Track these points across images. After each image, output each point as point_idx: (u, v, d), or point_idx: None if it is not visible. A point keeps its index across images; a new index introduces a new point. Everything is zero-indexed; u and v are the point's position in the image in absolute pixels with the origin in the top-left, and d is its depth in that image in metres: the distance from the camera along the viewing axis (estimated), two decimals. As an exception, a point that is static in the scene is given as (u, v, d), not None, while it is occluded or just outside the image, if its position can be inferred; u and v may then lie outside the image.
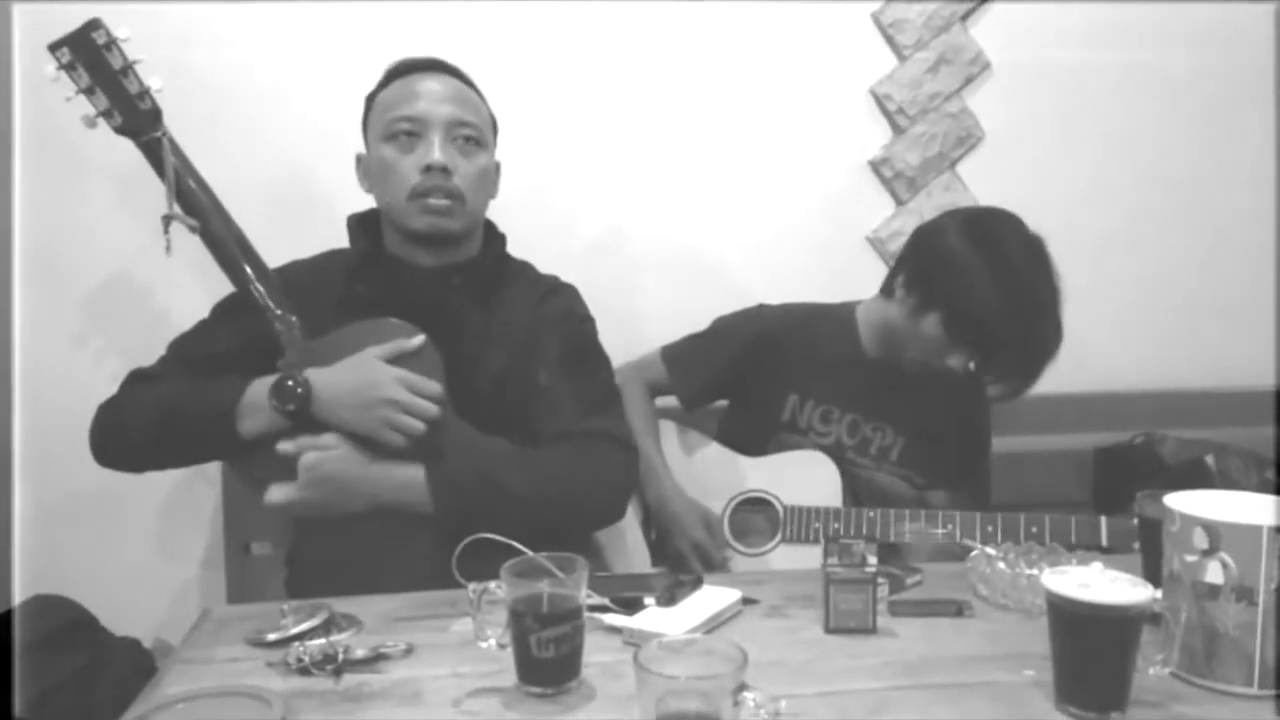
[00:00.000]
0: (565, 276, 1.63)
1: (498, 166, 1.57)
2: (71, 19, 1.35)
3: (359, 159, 1.54)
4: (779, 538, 1.69)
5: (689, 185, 2.09)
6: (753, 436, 1.77)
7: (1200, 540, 0.98)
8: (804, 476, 1.70)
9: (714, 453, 1.79)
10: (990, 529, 1.50)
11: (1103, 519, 1.48)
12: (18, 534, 1.94)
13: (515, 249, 1.62)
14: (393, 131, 1.45)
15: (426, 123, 1.44)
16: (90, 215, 1.92)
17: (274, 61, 1.94)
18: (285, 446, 1.33)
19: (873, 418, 1.74)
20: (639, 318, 2.02)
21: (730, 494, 1.73)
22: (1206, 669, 0.98)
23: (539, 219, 1.93)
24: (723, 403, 1.87)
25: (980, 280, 1.53)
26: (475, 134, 1.47)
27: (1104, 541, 1.46)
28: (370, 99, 1.52)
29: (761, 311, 1.82)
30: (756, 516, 1.73)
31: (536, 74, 2.00)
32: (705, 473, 1.75)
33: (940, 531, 1.57)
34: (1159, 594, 0.99)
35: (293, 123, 1.94)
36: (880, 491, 1.74)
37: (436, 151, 1.43)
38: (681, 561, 1.68)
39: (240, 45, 1.92)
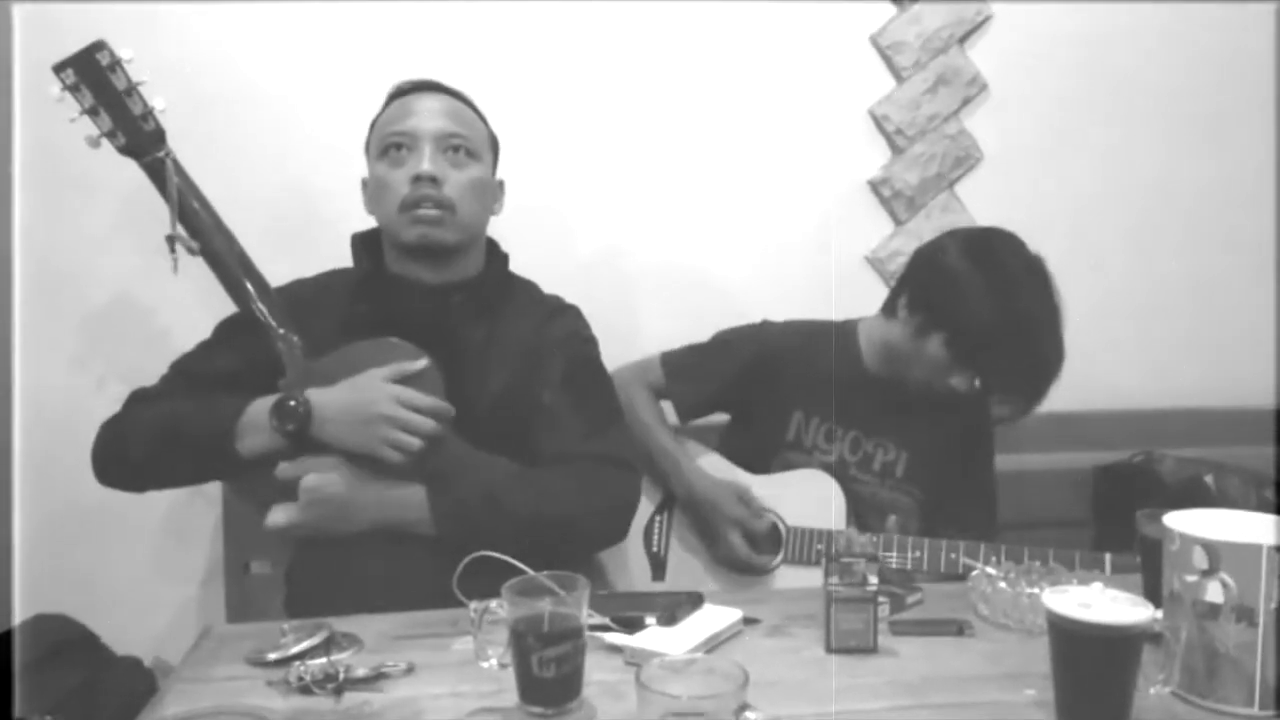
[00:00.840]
0: (565, 294, 1.63)
1: (500, 184, 1.58)
2: (77, 29, 1.36)
3: (364, 183, 1.55)
4: (781, 557, 1.69)
5: (688, 204, 2.10)
6: (756, 454, 1.77)
7: (1200, 560, 0.98)
8: (805, 495, 1.70)
9: (712, 466, 1.77)
10: (994, 558, 1.50)
11: (1107, 556, 1.48)
12: (18, 551, 1.93)
13: (515, 267, 1.62)
14: (385, 147, 1.48)
15: (417, 136, 1.46)
16: (92, 234, 1.92)
17: (278, 80, 1.95)
18: (285, 469, 1.33)
19: (875, 434, 1.74)
20: (638, 336, 2.02)
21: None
22: (1207, 689, 0.98)
23: (538, 237, 1.94)
24: (724, 418, 1.87)
25: (982, 300, 1.54)
26: (466, 145, 1.48)
27: (1107, 575, 1.46)
28: (373, 123, 1.53)
29: (764, 329, 1.82)
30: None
31: (537, 93, 2.01)
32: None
33: (944, 559, 1.57)
34: (1159, 613, 0.99)
35: (297, 141, 1.95)
36: (884, 508, 1.74)
37: (426, 162, 1.44)
38: (726, 545, 1.68)
39: (245, 64, 1.94)
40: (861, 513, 1.74)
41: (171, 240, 1.38)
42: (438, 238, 1.45)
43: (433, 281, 1.49)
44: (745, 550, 1.67)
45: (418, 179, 1.43)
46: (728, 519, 1.67)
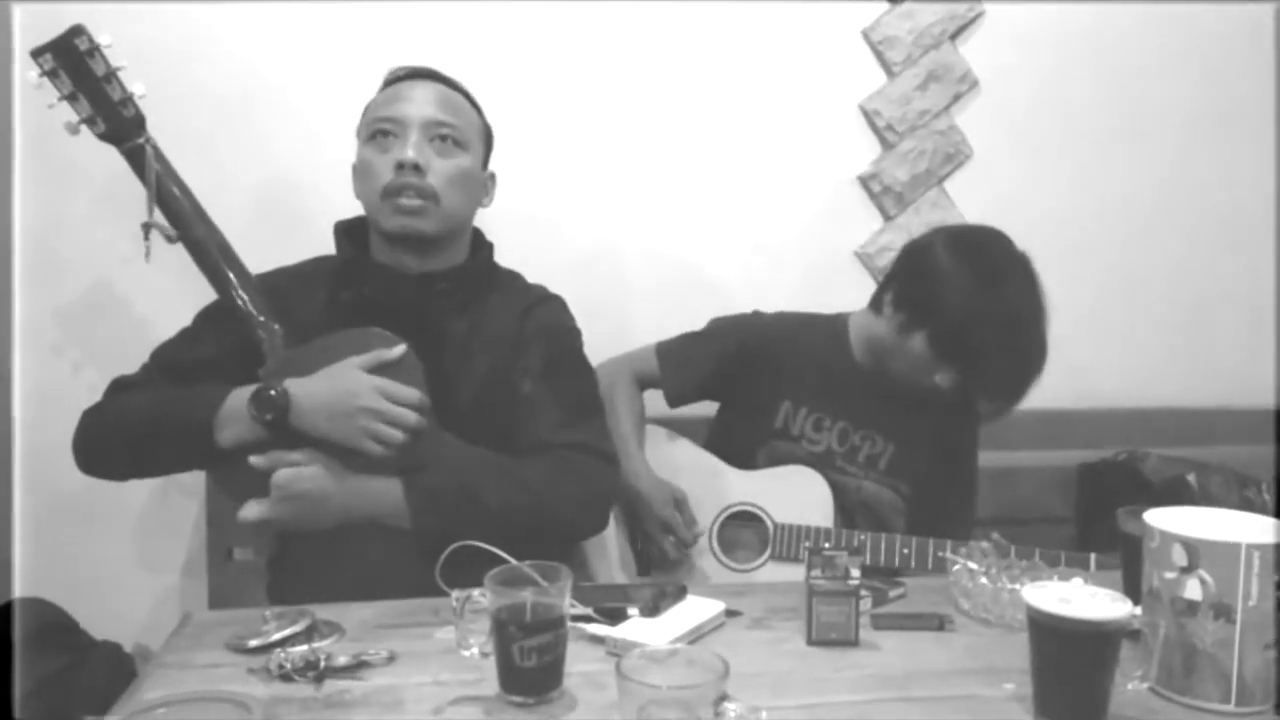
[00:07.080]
0: (555, 288, 1.63)
1: (491, 176, 1.57)
2: (71, 16, 1.35)
3: (354, 167, 1.54)
4: (768, 554, 1.69)
5: (680, 198, 2.10)
6: (744, 444, 1.76)
7: (1179, 557, 0.99)
8: (792, 491, 1.70)
9: (704, 463, 1.78)
10: (980, 555, 1.51)
11: (1092, 556, 1.49)
12: (18, 534, 1.92)
13: (506, 260, 1.62)
14: (373, 132, 1.47)
15: (404, 123, 1.45)
16: (83, 222, 1.90)
17: (263, 67, 1.93)
18: (257, 461, 1.31)
19: (862, 426, 1.74)
20: (630, 331, 2.01)
21: (716, 508, 1.73)
22: (1185, 685, 0.99)
23: (530, 231, 1.94)
24: (712, 410, 1.86)
25: (965, 296, 1.54)
26: (454, 134, 1.47)
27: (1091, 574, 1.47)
28: (366, 108, 1.52)
29: (756, 318, 1.82)
30: (745, 531, 1.72)
31: (530, 87, 2.01)
32: (692, 484, 1.74)
33: (931, 557, 1.57)
34: (1138, 610, 1.00)
35: (281, 128, 1.94)
36: (868, 500, 1.74)
37: (410, 149, 1.43)
38: (652, 542, 1.68)
39: (230, 51, 1.92)
40: (848, 505, 1.74)
41: (147, 228, 1.37)
42: (418, 227, 1.44)
43: (416, 270, 1.48)
44: (674, 553, 1.66)
45: (401, 166, 1.42)
46: (656, 519, 1.67)
